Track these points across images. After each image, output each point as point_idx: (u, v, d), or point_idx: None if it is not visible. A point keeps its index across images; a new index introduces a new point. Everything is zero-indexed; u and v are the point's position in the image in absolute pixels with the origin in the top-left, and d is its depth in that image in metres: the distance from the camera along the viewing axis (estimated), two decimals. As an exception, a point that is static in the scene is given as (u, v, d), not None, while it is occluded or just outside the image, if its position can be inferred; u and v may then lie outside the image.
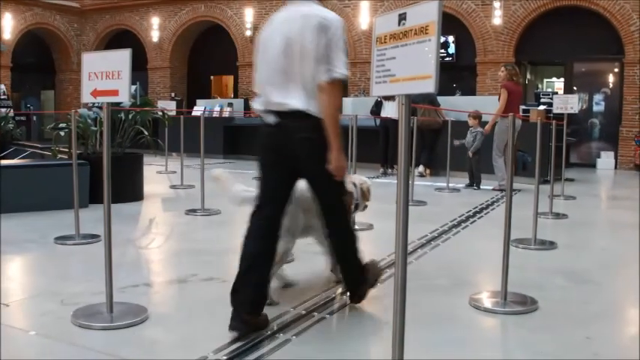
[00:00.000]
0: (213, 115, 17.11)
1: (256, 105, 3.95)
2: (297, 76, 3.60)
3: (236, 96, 20.76)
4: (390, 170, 13.12)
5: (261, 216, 3.83)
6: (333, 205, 3.92)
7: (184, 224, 7.32)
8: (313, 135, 3.59)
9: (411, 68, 2.40)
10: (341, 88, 3.69)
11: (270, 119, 3.74)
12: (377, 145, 13.24)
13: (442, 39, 2.64)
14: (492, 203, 9.03)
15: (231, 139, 16.75)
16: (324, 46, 3.53)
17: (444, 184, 10.69)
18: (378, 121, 13.42)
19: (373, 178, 12.32)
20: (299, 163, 3.71)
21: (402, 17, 2.43)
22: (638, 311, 4.50)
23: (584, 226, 7.84)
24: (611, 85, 16.40)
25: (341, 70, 3.54)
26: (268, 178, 3.84)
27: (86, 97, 4.01)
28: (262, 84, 3.84)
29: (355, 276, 4.09)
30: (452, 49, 17.51)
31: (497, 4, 16.46)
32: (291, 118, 3.63)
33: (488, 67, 16.50)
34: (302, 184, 3.93)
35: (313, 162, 3.65)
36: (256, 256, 3.69)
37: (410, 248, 5.66)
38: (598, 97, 16.41)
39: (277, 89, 3.67)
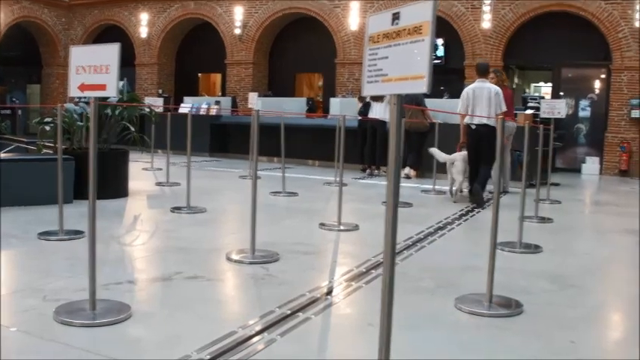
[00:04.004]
0: (200, 113, 17.04)
1: (466, 119, 9.12)
2: (486, 110, 8.89)
3: (224, 94, 20.70)
4: (376, 171, 13.14)
5: (474, 164, 9.09)
6: (489, 160, 8.72)
7: (169, 222, 7.27)
8: (490, 131, 8.63)
9: (404, 68, 2.38)
10: (504, 115, 7.80)
11: (474, 125, 9.01)
12: (360, 145, 13.39)
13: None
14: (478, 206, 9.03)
15: (218, 137, 16.69)
16: (498, 100, 8.95)
17: (430, 186, 10.69)
18: (359, 122, 13.47)
19: (358, 179, 12.32)
20: (482, 141, 8.86)
21: (396, 16, 2.41)
22: (621, 315, 4.51)
23: (569, 231, 7.87)
24: (597, 91, 16.48)
25: (503, 108, 8.93)
26: (474, 151, 9.06)
27: (73, 91, 3.96)
28: (474, 111, 8.97)
29: (482, 192, 9.12)
30: (441, 52, 17.54)
31: (486, 8, 16.50)
32: (482, 126, 8.91)
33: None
34: (463, 155, 9.33)
35: (488, 141, 8.51)
36: (474, 176, 9.09)
37: (396, 249, 5.64)
38: (584, 103, 16.48)
39: (480, 113, 8.89)
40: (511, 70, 17.23)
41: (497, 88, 9.12)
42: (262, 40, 20.01)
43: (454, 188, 9.61)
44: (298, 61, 20.19)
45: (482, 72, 9.38)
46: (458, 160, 9.39)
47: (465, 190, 9.60)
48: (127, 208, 8.24)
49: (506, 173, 10.50)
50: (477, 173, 9.11)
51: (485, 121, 8.85)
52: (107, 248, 5.57)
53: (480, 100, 8.96)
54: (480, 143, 8.96)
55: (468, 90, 9.20)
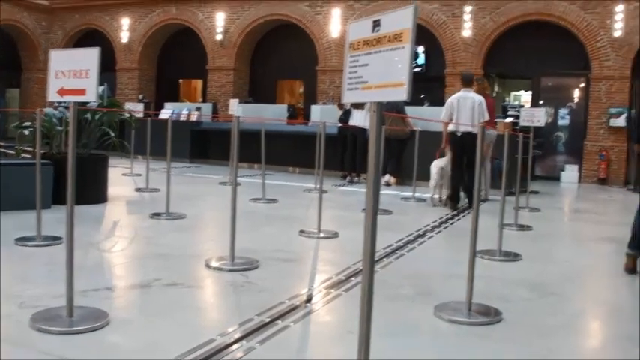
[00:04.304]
0: (181, 119, 16.97)
1: (451, 127, 9.39)
2: (470, 119, 9.13)
3: (205, 100, 20.64)
4: (357, 178, 13.15)
5: (457, 170, 9.42)
6: (471, 165, 8.73)
7: (148, 228, 7.23)
8: (474, 139, 7.88)
9: (384, 75, 2.38)
10: (486, 123, 8.60)
11: (459, 133, 9.27)
12: (340, 153, 13.44)
13: (413, 48, 2.73)
14: (458, 214, 9.07)
15: (199, 144, 16.64)
16: (481, 109, 9.22)
17: (410, 194, 10.71)
18: (338, 130, 13.48)
19: (338, 186, 12.32)
20: (466, 148, 9.05)
21: (377, 24, 2.41)
22: (600, 323, 4.54)
23: (548, 239, 7.90)
24: (576, 100, 16.60)
25: (486, 117, 9.19)
26: (458, 158, 9.40)
27: (52, 96, 3.92)
28: (459, 120, 9.22)
29: (471, 194, 9.05)
30: (421, 60, 17.60)
31: (467, 17, 16.59)
32: (467, 134, 9.15)
33: (457, 78, 16.52)
34: (445, 162, 9.69)
35: (472, 149, 7.96)
36: (457, 183, 9.44)
37: (375, 257, 5.63)
38: (563, 111, 16.59)
39: (464, 122, 9.14)
40: (491, 78, 17.32)
41: (481, 98, 9.45)
42: (244, 46, 19.98)
43: (435, 196, 10.03)
44: (279, 68, 20.18)
45: (467, 82, 9.68)
46: (447, 166, 9.78)
47: (444, 197, 9.98)
48: (106, 213, 8.18)
49: (486, 181, 10.56)
50: (460, 179, 9.49)
51: (470, 129, 9.14)
52: (86, 254, 5.53)
53: (464, 109, 9.29)
54: (464, 150, 9.30)
55: (452, 99, 9.55)
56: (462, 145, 9.31)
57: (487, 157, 10.42)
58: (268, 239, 6.83)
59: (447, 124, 9.52)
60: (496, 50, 16.67)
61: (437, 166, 9.88)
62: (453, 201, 9.54)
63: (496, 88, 18.30)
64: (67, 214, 3.78)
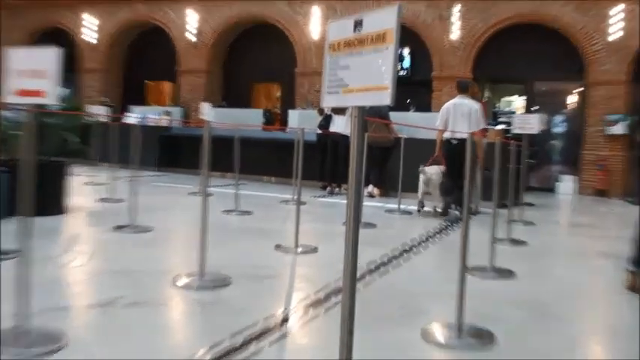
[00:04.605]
0: (148, 124, 16.86)
1: (447, 134, 9.84)
2: (467, 126, 9.38)
3: (175, 104, 20.57)
4: (337, 189, 13.14)
5: (451, 179, 9.81)
6: (461, 173, 8.24)
7: (111, 241, 7.16)
8: (465, 146, 7.20)
9: (366, 78, 2.36)
10: (482, 131, 9.85)
11: (454, 140, 9.71)
12: (320, 161, 13.46)
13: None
14: (447, 227, 9.07)
15: (168, 150, 16.57)
16: (477, 117, 9.74)
17: (395, 206, 10.71)
18: (317, 136, 13.48)
19: (317, 197, 12.29)
20: (460, 156, 8.26)
21: (358, 23, 2.38)
22: (600, 345, 4.53)
23: (544, 255, 7.91)
24: (572, 106, 16.71)
25: (482, 125, 9.90)
26: (452, 164, 9.72)
27: (8, 97, 3.87)
28: (454, 126, 9.64)
29: (459, 201, 9.19)
30: (407, 63, 17.66)
31: (455, 18, 16.67)
32: (461, 141, 9.35)
33: (444, 82, 16.68)
34: (436, 170, 10.20)
35: (464, 156, 7.39)
36: (448, 190, 9.92)
37: (357, 274, 5.60)
38: (559, 118, 16.69)
39: (460, 129, 9.40)
40: (481, 82, 17.42)
41: (478, 106, 9.95)
42: (217, 47, 19.97)
43: (423, 208, 10.46)
44: (255, 70, 20.18)
45: (463, 89, 10.19)
46: (435, 174, 10.24)
47: (428, 208, 10.45)
48: (64, 226, 8.11)
49: (476, 193, 10.59)
50: (453, 188, 9.90)
51: (465, 136, 9.04)
52: (42, 270, 5.44)
53: (461, 116, 9.82)
54: (459, 158, 9.24)
55: (448, 105, 10.10)
56: (457, 153, 9.52)
57: (477, 166, 10.46)
58: (241, 254, 6.79)
59: (441, 131, 9.93)
60: (486, 53, 16.78)
61: (424, 174, 10.23)
62: (444, 208, 10.03)
63: (486, 94, 18.42)
64: (22, 226, 3.72)
